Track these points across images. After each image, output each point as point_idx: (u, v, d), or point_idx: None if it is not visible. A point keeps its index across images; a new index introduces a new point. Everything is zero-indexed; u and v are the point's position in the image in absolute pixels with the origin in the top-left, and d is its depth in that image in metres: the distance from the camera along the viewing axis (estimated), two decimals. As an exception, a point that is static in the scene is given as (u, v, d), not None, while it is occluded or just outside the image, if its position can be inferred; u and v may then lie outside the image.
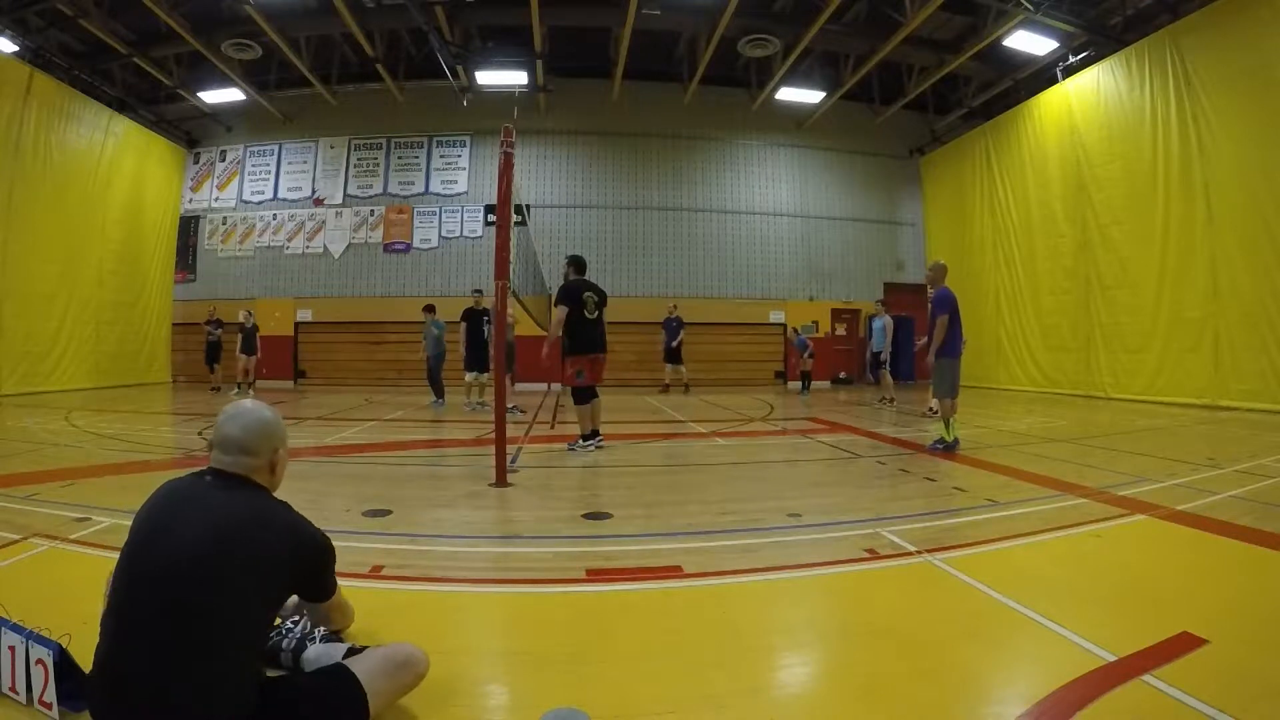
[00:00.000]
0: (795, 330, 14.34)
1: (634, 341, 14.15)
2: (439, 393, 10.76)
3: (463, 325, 9.90)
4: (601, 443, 6.00)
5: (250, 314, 12.57)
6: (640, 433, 7.51)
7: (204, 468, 1.57)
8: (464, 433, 7.45)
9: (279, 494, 1.65)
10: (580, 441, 5.90)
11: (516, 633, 2.27)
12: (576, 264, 6.18)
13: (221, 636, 1.32)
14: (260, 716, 1.35)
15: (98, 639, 1.35)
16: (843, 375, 16.08)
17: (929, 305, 6.26)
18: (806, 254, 16.24)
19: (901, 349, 15.67)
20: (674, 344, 13.39)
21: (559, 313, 5.82)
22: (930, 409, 8.87)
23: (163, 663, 1.27)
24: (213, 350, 13.16)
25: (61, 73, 12.35)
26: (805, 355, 13.27)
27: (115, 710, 1.30)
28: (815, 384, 14.02)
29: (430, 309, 10.96)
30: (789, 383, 14.96)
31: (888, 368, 10.84)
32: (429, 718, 1.65)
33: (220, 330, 13.17)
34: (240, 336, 12.29)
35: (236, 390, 12.39)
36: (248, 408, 1.64)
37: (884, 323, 10.71)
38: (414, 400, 11.33)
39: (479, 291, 10.29)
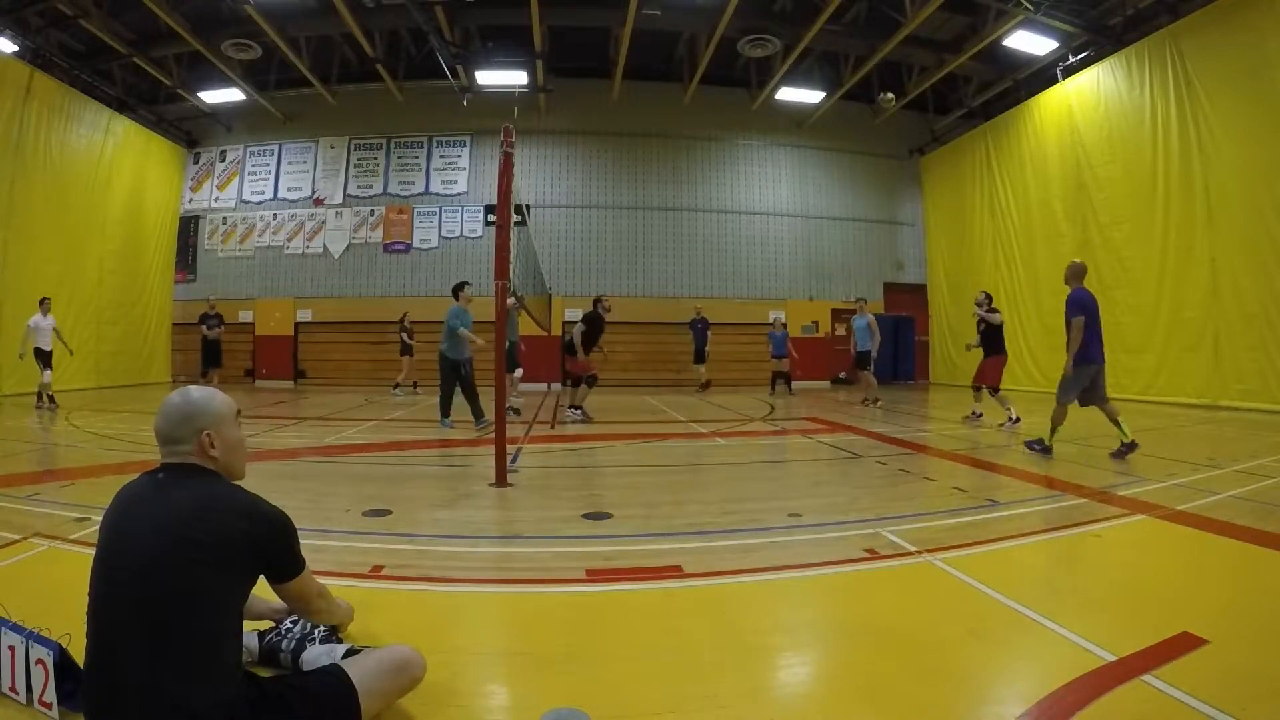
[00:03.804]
0: (773, 329, 14.27)
1: (634, 341, 14.15)
2: (446, 410, 7.70)
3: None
4: (579, 414, 8.08)
5: (407, 315, 12.64)
6: (640, 432, 7.51)
7: (159, 464, 1.55)
8: (464, 433, 7.45)
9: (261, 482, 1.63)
10: (570, 409, 8.08)
11: (516, 633, 2.27)
12: (598, 304, 8.71)
13: (193, 629, 1.33)
14: (250, 713, 1.36)
15: (85, 642, 1.38)
16: (843, 375, 16.04)
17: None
18: (806, 254, 16.24)
19: (901, 349, 15.71)
20: (706, 347, 13.44)
21: (581, 328, 8.51)
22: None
23: (141, 661, 1.29)
24: (211, 350, 12.00)
25: (61, 73, 12.34)
26: (776, 357, 13.14)
27: (105, 710, 1.32)
28: (816, 384, 13.98)
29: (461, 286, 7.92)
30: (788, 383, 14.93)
31: (872, 367, 10.67)
32: (429, 718, 1.65)
33: (221, 328, 12.15)
34: (403, 337, 12.39)
35: (413, 389, 12.74)
36: (173, 396, 1.59)
37: (867, 321, 10.56)
38: (414, 400, 11.31)
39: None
